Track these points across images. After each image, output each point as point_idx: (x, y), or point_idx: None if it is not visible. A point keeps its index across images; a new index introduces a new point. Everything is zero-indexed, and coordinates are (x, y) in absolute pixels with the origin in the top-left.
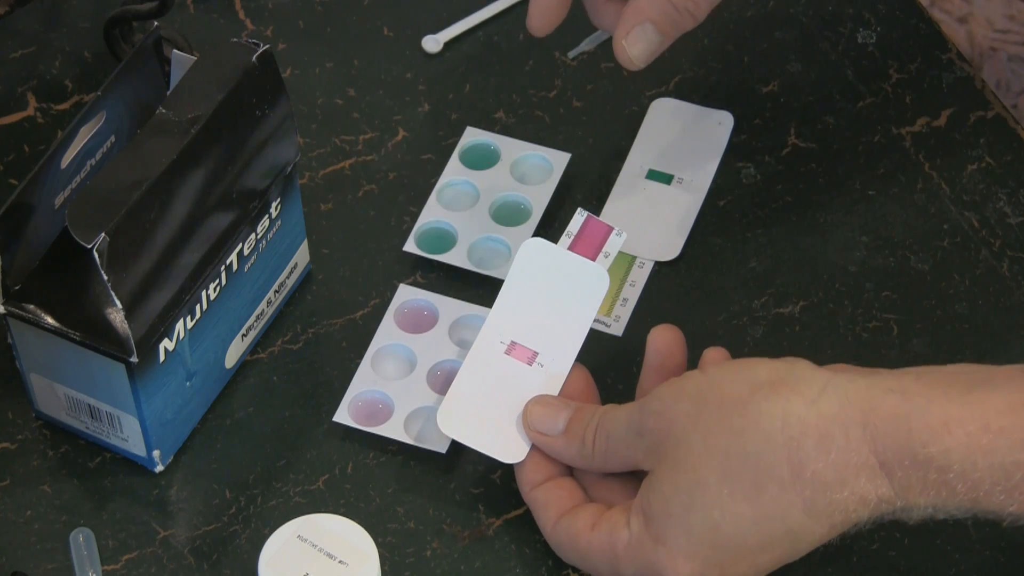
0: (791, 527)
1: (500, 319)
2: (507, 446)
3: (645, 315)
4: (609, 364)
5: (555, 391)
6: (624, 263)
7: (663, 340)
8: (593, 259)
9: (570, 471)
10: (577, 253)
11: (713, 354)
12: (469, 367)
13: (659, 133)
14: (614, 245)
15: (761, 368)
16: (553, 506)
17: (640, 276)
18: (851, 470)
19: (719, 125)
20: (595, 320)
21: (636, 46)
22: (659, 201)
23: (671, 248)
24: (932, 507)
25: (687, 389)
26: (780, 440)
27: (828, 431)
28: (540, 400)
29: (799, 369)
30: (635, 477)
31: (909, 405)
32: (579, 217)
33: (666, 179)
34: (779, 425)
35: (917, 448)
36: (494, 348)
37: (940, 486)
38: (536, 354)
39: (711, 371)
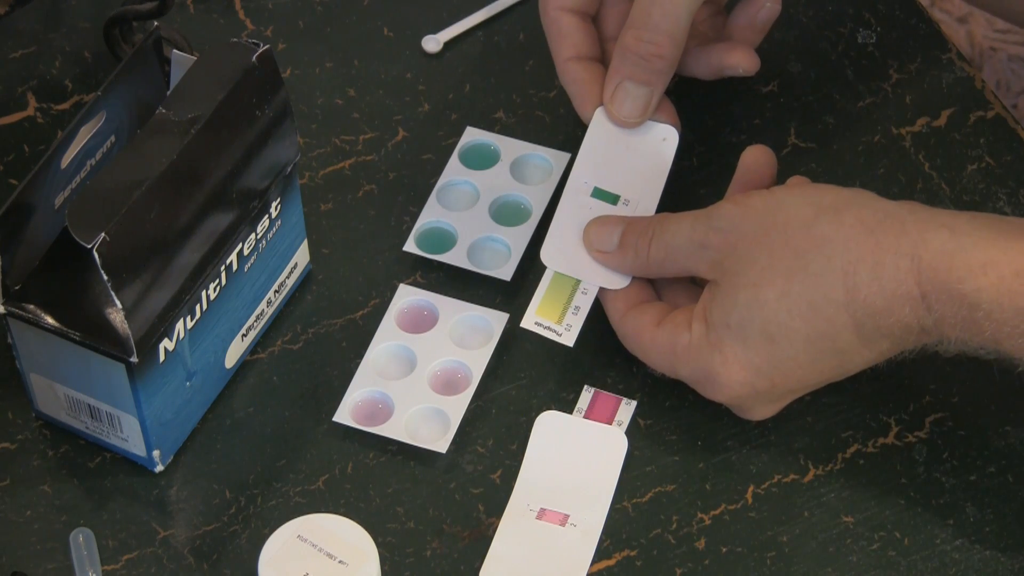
0: (841, 347)
1: (526, 488)
2: None
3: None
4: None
5: (591, 547)
6: (569, 285)
7: (754, 158)
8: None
9: None
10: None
11: (796, 179)
12: (502, 536)
13: (603, 146)
14: (625, 413)
15: (827, 194)
16: (622, 298)
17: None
18: (898, 299)
19: (663, 141)
20: (544, 328)
21: (623, 106)
22: None
23: (619, 277)
24: (962, 342)
25: (754, 207)
26: (839, 264)
27: (881, 259)
28: (596, 220)
29: (864, 197)
30: (700, 285)
31: (955, 243)
32: (587, 394)
33: (612, 199)
34: (839, 249)
35: (953, 284)
36: (525, 516)
37: (969, 323)
38: (567, 516)
39: (778, 192)
